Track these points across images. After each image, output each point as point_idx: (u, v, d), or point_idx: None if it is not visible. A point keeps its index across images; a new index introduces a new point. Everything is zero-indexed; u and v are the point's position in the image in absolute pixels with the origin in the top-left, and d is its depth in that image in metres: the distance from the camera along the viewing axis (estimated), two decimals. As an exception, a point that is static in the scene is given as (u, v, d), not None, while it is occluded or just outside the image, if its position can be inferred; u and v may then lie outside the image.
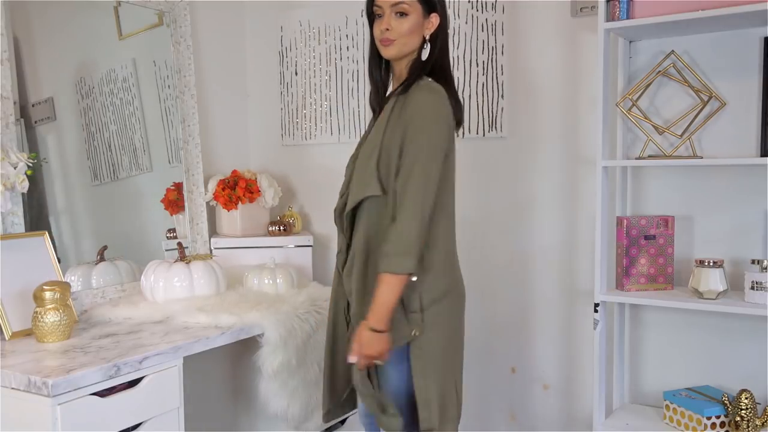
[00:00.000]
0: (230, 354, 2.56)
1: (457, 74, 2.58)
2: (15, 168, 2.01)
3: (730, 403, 2.04)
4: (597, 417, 2.18)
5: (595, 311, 2.16)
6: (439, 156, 1.73)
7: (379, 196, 1.76)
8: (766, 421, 2.01)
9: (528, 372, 2.57)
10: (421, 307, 1.76)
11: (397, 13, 1.79)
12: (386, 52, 1.83)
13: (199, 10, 2.82)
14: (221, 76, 2.97)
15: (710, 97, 2.14)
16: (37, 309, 1.89)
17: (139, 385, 1.78)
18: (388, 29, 1.80)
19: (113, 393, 1.72)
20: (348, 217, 1.85)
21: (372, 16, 1.86)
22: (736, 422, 2.01)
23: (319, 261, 2.92)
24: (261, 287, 2.48)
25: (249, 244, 2.72)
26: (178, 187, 2.70)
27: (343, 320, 1.93)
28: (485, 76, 2.55)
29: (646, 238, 2.17)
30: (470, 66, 2.57)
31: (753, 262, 2.01)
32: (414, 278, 1.72)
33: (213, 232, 2.83)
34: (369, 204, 1.79)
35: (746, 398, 2.00)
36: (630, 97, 2.21)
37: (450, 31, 2.58)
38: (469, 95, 2.58)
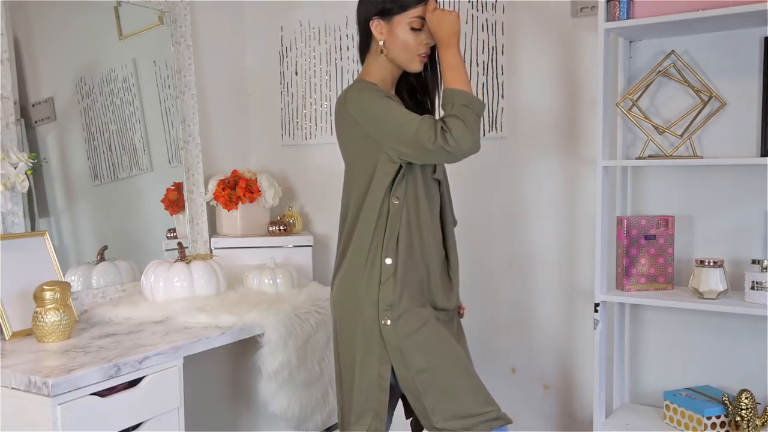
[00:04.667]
0: (230, 354, 2.56)
1: (457, 74, 2.59)
2: (15, 168, 2.01)
3: (730, 403, 2.04)
4: (597, 417, 2.18)
5: (595, 311, 2.16)
6: (378, 104, 1.76)
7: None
8: (766, 421, 2.01)
9: (528, 372, 2.57)
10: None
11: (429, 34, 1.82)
12: (418, 67, 1.83)
13: (199, 10, 2.82)
14: (221, 76, 2.97)
15: (710, 97, 2.14)
16: (38, 309, 1.89)
17: (139, 385, 1.78)
18: (428, 44, 1.82)
19: (113, 393, 1.72)
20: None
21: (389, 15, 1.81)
22: (736, 422, 2.01)
23: (319, 261, 2.91)
24: (261, 287, 2.48)
25: (249, 244, 2.72)
26: (178, 187, 2.70)
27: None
28: (485, 76, 2.55)
29: (646, 238, 2.17)
30: (470, 66, 2.57)
31: (753, 262, 2.01)
32: (389, 261, 1.74)
33: (213, 232, 2.83)
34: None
35: (746, 398, 2.00)
36: (630, 97, 2.21)
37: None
38: (469, 95, 2.57)
